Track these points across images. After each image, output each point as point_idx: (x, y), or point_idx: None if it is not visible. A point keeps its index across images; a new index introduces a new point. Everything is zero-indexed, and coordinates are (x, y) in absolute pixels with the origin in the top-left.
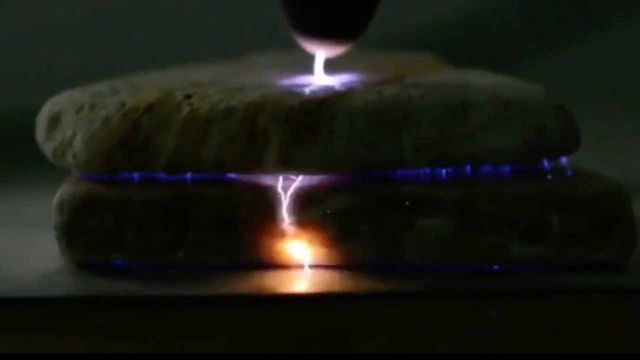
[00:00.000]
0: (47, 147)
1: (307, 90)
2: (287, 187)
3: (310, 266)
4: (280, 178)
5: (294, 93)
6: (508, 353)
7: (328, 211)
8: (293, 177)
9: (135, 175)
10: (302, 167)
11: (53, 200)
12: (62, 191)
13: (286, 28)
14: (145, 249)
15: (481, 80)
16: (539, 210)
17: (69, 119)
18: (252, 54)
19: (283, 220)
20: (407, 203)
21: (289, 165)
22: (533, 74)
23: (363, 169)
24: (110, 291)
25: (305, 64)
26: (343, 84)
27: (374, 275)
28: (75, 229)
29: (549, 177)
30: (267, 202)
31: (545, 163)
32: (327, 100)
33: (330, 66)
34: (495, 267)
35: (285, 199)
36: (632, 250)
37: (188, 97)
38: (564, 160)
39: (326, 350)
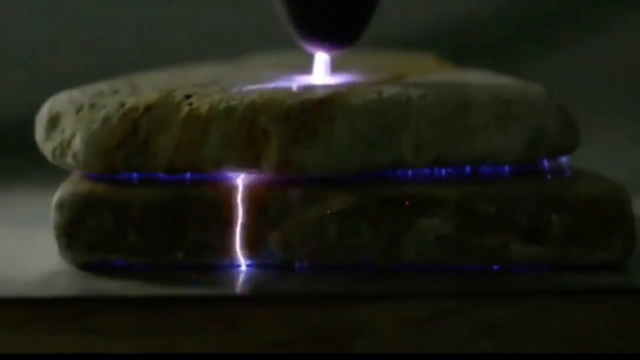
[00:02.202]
0: (47, 147)
1: (307, 90)
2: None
3: (310, 266)
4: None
5: (294, 93)
6: (508, 353)
7: (328, 211)
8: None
9: (135, 175)
10: (301, 167)
11: (53, 200)
12: (62, 191)
13: (286, 28)
14: (145, 249)
15: (481, 80)
16: (539, 210)
17: (69, 119)
18: (252, 54)
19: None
20: (407, 203)
21: (288, 165)
22: (533, 74)
23: (363, 169)
24: (111, 291)
25: (305, 64)
26: (343, 84)
27: (374, 275)
28: (75, 229)
29: (549, 177)
30: (266, 202)
31: (545, 163)
32: (327, 100)
33: (330, 66)
34: (495, 267)
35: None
36: (632, 250)
37: (188, 97)
38: (563, 160)
39: (326, 350)
